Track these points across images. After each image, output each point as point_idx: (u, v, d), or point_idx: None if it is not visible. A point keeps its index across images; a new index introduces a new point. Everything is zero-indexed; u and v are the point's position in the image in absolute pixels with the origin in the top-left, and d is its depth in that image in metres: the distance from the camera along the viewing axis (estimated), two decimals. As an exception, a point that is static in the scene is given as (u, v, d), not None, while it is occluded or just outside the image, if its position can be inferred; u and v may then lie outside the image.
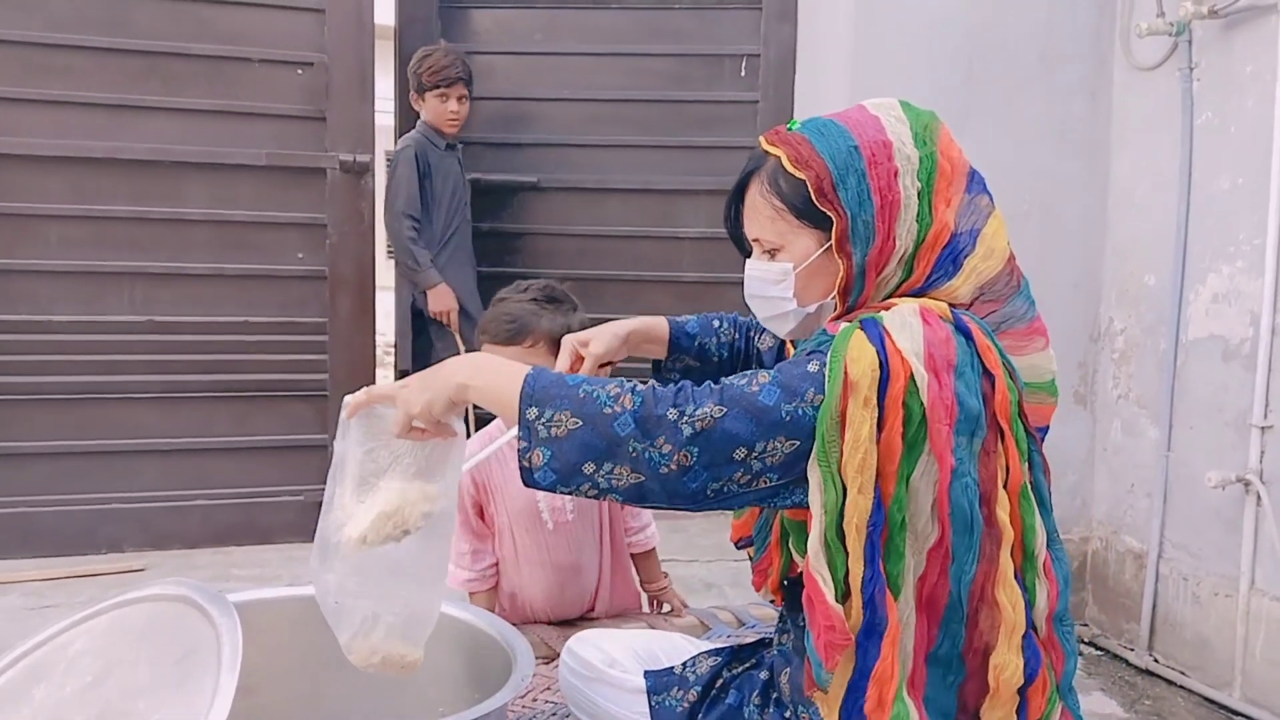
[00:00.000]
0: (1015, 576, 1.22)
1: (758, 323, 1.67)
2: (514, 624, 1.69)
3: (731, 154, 3.62)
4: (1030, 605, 1.24)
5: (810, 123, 1.33)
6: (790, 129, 1.33)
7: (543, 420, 1.18)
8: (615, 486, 1.18)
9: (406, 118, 3.76)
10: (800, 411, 1.16)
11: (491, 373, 1.27)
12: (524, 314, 2.05)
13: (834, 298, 1.32)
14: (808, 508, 1.19)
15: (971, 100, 2.91)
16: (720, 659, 1.49)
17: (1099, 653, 2.94)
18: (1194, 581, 2.67)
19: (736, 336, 1.70)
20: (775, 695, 1.37)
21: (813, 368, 1.19)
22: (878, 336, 1.18)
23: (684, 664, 1.51)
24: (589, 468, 1.17)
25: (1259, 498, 2.46)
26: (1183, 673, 2.68)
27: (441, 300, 3.44)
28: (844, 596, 1.18)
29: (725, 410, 1.16)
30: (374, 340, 3.64)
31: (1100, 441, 3.03)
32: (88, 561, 3.22)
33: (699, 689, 1.45)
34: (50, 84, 3.21)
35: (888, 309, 1.24)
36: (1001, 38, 2.92)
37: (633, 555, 2.32)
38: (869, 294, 1.30)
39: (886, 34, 2.92)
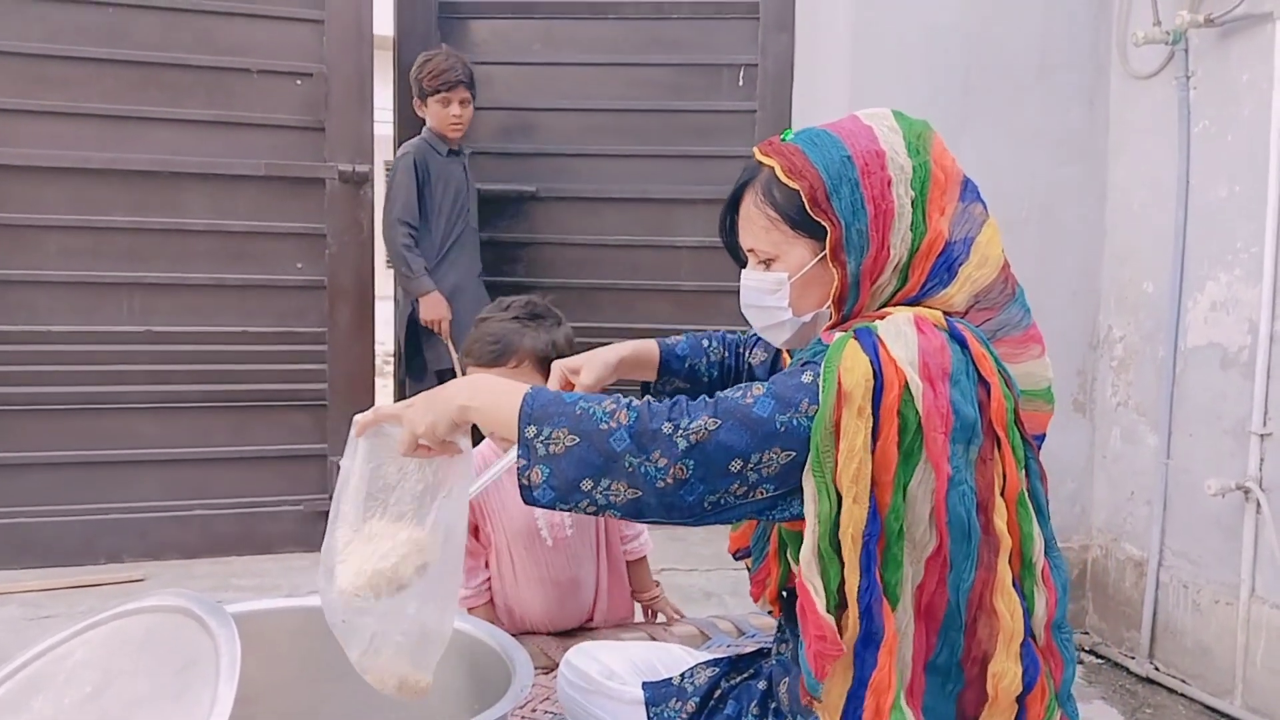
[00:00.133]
0: (1013, 584, 1.22)
1: (748, 339, 1.68)
2: (513, 634, 1.69)
3: (729, 163, 3.62)
4: (1029, 613, 1.24)
5: (803, 133, 1.33)
6: (783, 139, 1.34)
7: (541, 438, 1.19)
8: (613, 502, 1.18)
9: (406, 128, 3.77)
10: (795, 422, 1.16)
11: (491, 393, 1.28)
12: (507, 334, 2.02)
13: (829, 307, 1.32)
14: (804, 519, 1.19)
15: (970, 109, 2.91)
16: (718, 669, 1.49)
17: (1100, 661, 2.93)
18: (1194, 589, 2.67)
19: (726, 354, 1.70)
20: (774, 705, 1.37)
21: (807, 378, 1.19)
22: (872, 346, 1.18)
23: (682, 675, 1.51)
24: (587, 484, 1.18)
25: (1259, 505, 2.46)
26: (1184, 681, 2.68)
27: (433, 309, 3.43)
28: (840, 607, 1.18)
29: (720, 423, 1.16)
30: (373, 350, 3.64)
31: (1100, 449, 3.03)
32: (87, 572, 3.22)
33: (697, 700, 1.45)
34: (49, 95, 3.22)
35: (882, 318, 1.24)
36: (999, 47, 2.93)
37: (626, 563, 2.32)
38: (864, 303, 1.30)
39: (884, 43, 2.93)
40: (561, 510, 1.21)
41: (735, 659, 1.52)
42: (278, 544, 3.42)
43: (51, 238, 3.25)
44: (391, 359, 4.33)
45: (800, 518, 1.20)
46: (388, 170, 3.55)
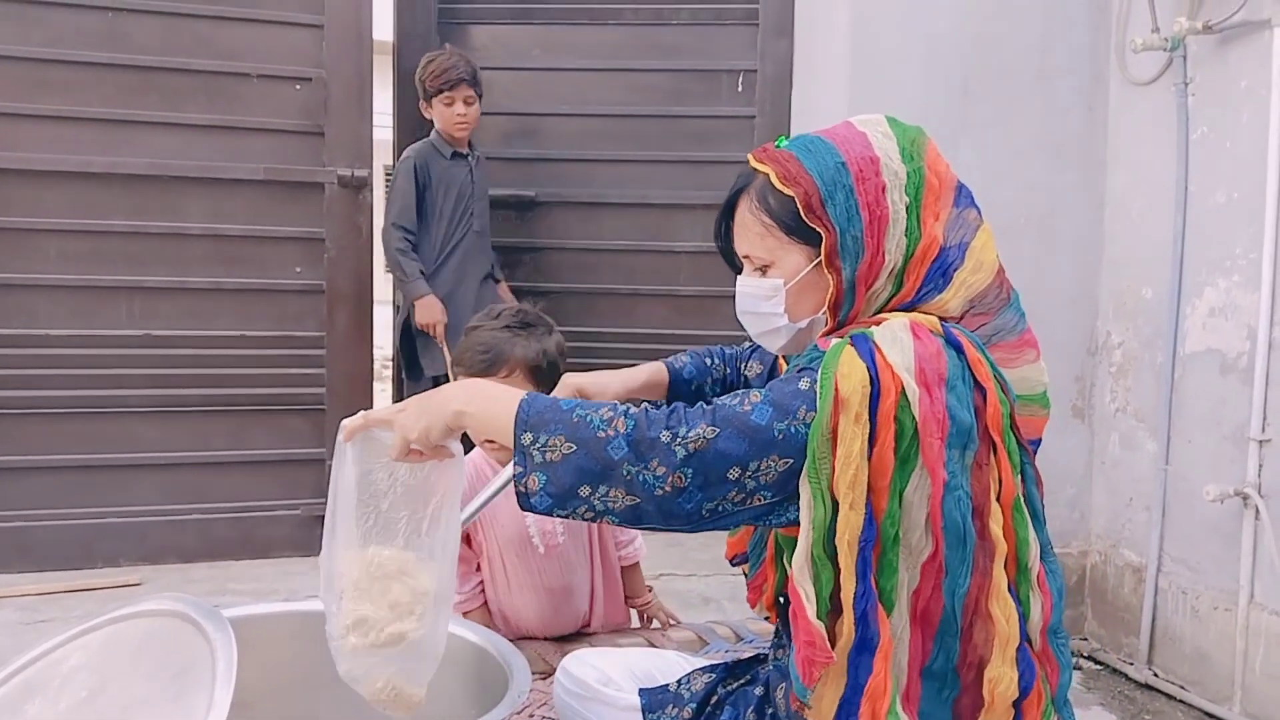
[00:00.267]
0: (1009, 589, 1.22)
1: (744, 352, 1.69)
2: (510, 640, 1.68)
3: (728, 169, 3.58)
4: (1024, 618, 1.24)
5: (797, 140, 1.34)
6: (778, 146, 1.34)
7: (538, 445, 1.18)
8: (611, 509, 1.18)
9: (405, 132, 3.77)
10: (793, 429, 1.16)
11: (486, 399, 1.27)
12: (497, 343, 2.00)
13: (825, 313, 1.32)
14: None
15: (968, 115, 2.92)
16: (715, 675, 1.49)
17: (1098, 667, 2.93)
18: (1193, 595, 2.67)
19: (728, 371, 1.71)
20: (771, 711, 1.36)
21: (804, 385, 1.19)
22: (868, 352, 1.18)
23: (679, 681, 1.50)
24: (584, 491, 1.17)
25: (1257, 511, 2.46)
26: (1182, 687, 2.67)
27: (427, 312, 3.43)
28: (832, 613, 1.18)
29: (718, 431, 1.16)
30: (371, 354, 3.64)
31: (1098, 455, 3.03)
32: (84, 576, 3.21)
33: (693, 706, 1.45)
34: (49, 99, 3.22)
35: (878, 324, 1.24)
36: (998, 53, 2.94)
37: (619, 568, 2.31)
38: (859, 309, 1.31)
39: (883, 49, 2.93)
40: (559, 516, 1.20)
41: (732, 665, 1.52)
42: (275, 548, 3.42)
43: (51, 242, 3.26)
44: (390, 363, 4.32)
45: (797, 524, 1.19)
46: (387, 175, 3.55)
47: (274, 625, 1.65)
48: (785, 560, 1.36)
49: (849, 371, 1.17)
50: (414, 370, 3.60)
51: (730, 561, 1.54)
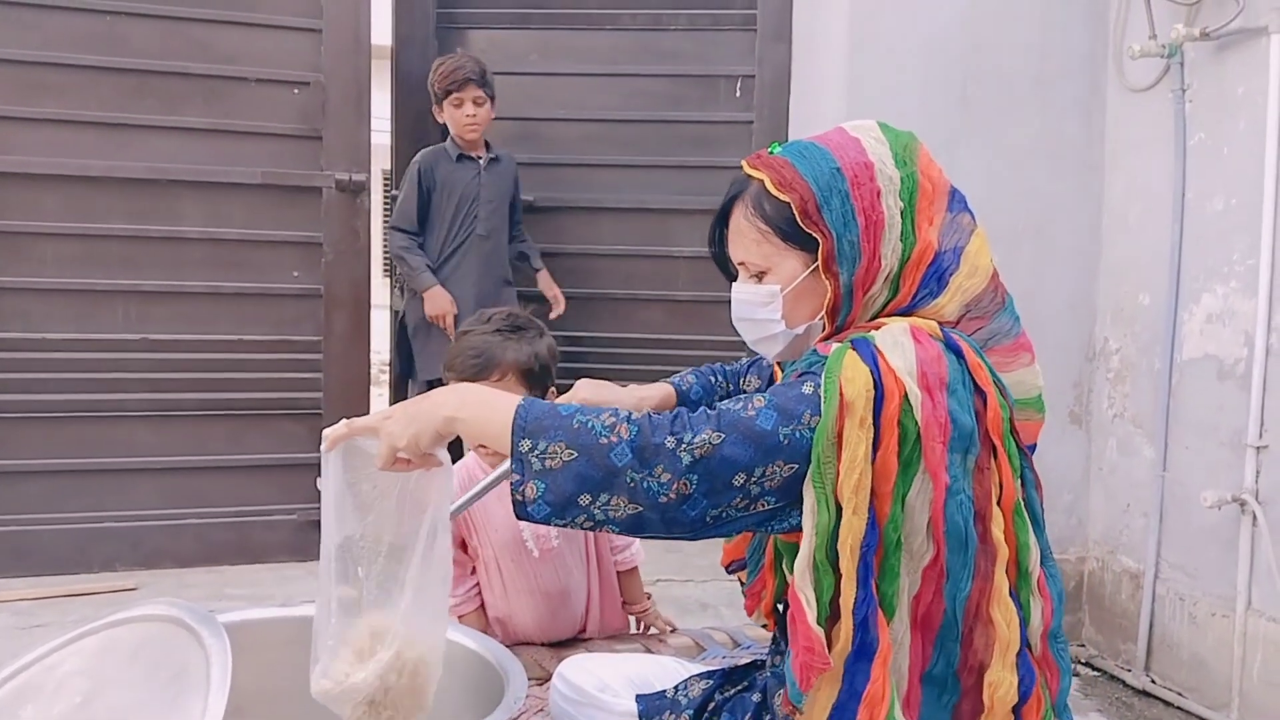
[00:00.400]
0: (1010, 594, 1.22)
1: (744, 367, 1.69)
2: (506, 645, 1.68)
3: (726, 174, 3.56)
4: (1025, 622, 1.23)
5: (791, 146, 1.34)
6: (772, 152, 1.34)
7: (536, 452, 1.16)
8: (612, 518, 1.16)
9: (403, 137, 3.78)
10: (798, 434, 1.16)
11: (480, 404, 1.24)
12: (488, 347, 1.99)
13: (822, 318, 1.32)
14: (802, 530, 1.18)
15: (966, 121, 2.92)
16: (712, 682, 1.49)
17: (1096, 673, 2.92)
18: (1190, 602, 2.66)
19: (730, 388, 1.71)
20: (768, 717, 1.36)
21: (807, 389, 1.18)
22: (871, 356, 1.18)
23: (676, 687, 1.50)
24: (585, 499, 1.15)
25: (1255, 518, 2.45)
26: (1180, 694, 2.67)
27: (437, 304, 3.44)
28: (831, 619, 1.18)
29: (724, 436, 1.15)
30: (369, 359, 3.63)
31: (1096, 461, 3.03)
32: (79, 580, 3.20)
33: (690, 713, 1.44)
34: (46, 102, 3.21)
35: (877, 328, 1.24)
36: (996, 59, 2.94)
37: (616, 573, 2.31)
38: (856, 314, 1.31)
39: (881, 55, 2.93)
40: (557, 525, 1.18)
41: (730, 671, 1.52)
42: (272, 553, 3.41)
43: (48, 245, 3.24)
44: (387, 368, 4.32)
45: (799, 529, 1.19)
46: (385, 179, 3.56)
47: (269, 630, 1.66)
48: (784, 566, 1.36)
49: (853, 375, 1.16)
50: (411, 374, 3.60)
51: (726, 568, 1.54)
